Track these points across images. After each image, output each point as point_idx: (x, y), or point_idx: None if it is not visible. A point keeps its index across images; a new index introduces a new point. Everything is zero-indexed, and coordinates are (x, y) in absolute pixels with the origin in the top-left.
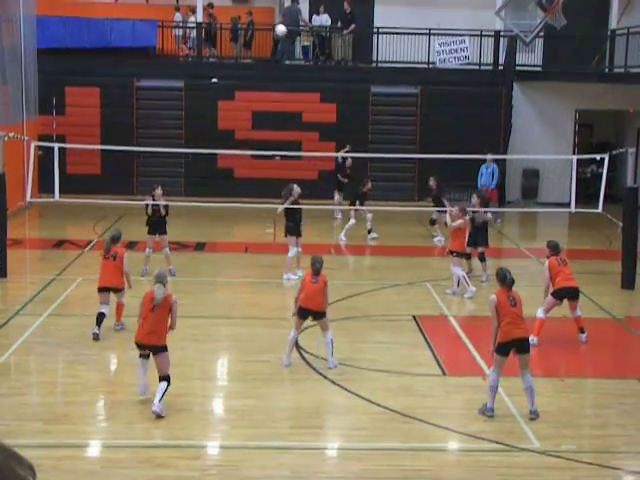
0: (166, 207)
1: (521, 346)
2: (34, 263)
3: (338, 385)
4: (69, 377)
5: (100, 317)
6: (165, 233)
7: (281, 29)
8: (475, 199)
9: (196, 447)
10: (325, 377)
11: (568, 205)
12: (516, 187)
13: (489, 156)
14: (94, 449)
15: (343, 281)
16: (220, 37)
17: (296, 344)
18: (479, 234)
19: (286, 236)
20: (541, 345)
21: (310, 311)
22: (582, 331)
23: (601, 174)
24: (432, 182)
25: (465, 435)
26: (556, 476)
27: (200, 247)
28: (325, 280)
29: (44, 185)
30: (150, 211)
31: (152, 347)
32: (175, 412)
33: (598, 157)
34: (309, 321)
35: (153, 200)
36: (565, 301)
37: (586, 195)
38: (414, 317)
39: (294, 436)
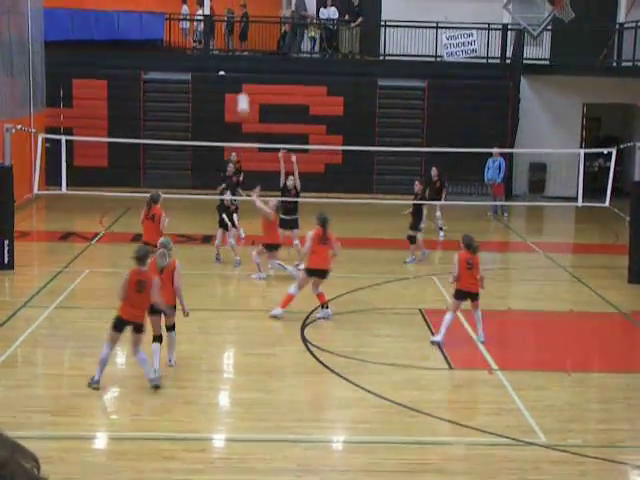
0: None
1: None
2: (41, 255)
3: (344, 378)
4: (76, 369)
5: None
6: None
7: (242, 106)
8: (417, 186)
9: (202, 440)
10: (331, 370)
11: (575, 199)
12: (523, 181)
13: (495, 150)
14: (101, 441)
15: (349, 274)
16: (219, 30)
17: (302, 337)
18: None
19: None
20: (548, 339)
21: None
22: None
23: (608, 168)
24: (435, 172)
25: (471, 429)
26: (562, 470)
27: (207, 240)
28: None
29: (51, 177)
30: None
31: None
32: (181, 405)
33: (606, 151)
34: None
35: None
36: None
37: (593, 189)
38: (420, 310)
39: (300, 429)
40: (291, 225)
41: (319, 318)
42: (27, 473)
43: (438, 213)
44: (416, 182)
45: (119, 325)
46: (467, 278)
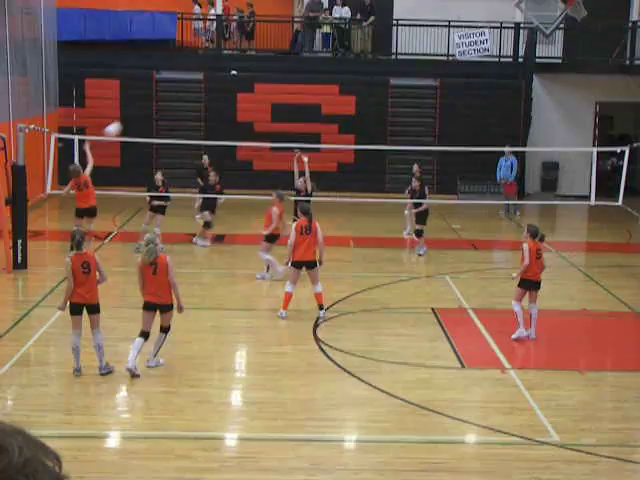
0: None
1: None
2: (54, 255)
3: (356, 377)
4: (89, 368)
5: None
6: None
7: (112, 129)
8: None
9: (215, 439)
10: (344, 369)
11: (588, 198)
12: (536, 180)
13: (507, 149)
14: (114, 440)
15: (362, 273)
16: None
17: (315, 336)
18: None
19: None
20: (561, 339)
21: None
22: None
23: (621, 167)
24: (416, 168)
25: (484, 428)
26: (575, 470)
27: (219, 239)
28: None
29: (64, 177)
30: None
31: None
32: (194, 404)
33: (618, 149)
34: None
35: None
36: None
37: (606, 188)
38: (433, 309)
39: (313, 428)
40: None
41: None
42: (49, 472)
43: (406, 212)
44: (413, 179)
45: (75, 310)
46: (535, 268)
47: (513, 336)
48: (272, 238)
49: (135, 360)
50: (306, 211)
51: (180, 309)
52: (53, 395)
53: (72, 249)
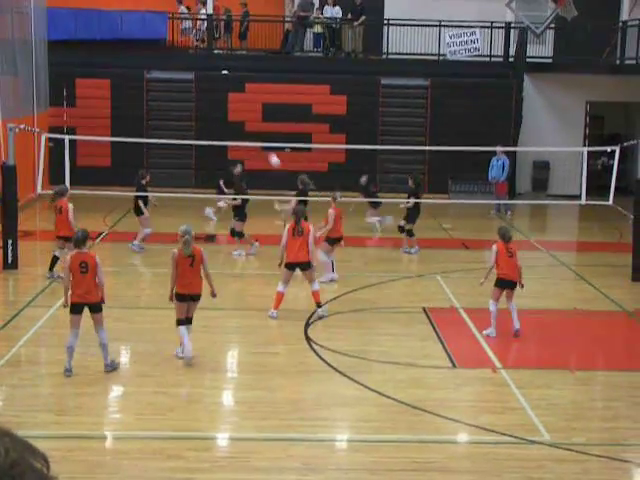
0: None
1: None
2: (45, 255)
3: (348, 377)
4: (80, 368)
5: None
6: None
7: (275, 160)
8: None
9: (206, 439)
10: (335, 369)
11: (579, 197)
12: (526, 179)
13: (499, 148)
14: (104, 440)
15: (353, 273)
16: (220, 29)
17: (306, 335)
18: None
19: None
20: (552, 338)
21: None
22: None
23: (612, 166)
24: (364, 179)
25: (475, 427)
26: (566, 468)
27: (211, 239)
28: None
29: (54, 177)
30: None
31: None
32: (185, 403)
33: (609, 149)
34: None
35: None
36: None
37: (597, 187)
38: (424, 309)
39: (304, 428)
40: None
41: (316, 317)
42: (37, 473)
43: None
44: (409, 178)
45: (74, 309)
46: (508, 267)
47: (484, 332)
48: (333, 240)
49: (189, 347)
50: (295, 214)
51: (214, 295)
52: (44, 395)
53: (74, 247)
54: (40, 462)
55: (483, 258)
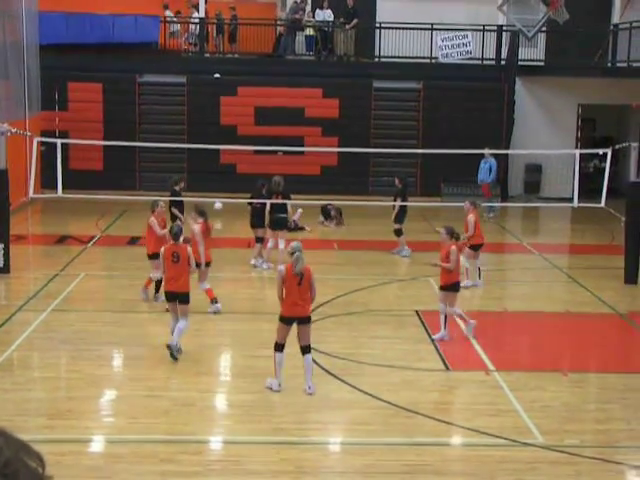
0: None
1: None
2: (37, 259)
3: (341, 380)
4: (72, 372)
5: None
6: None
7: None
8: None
9: (199, 442)
10: (328, 372)
11: (571, 200)
12: (519, 182)
13: (487, 151)
14: (97, 444)
15: (346, 276)
16: (211, 33)
17: None
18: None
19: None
20: (545, 340)
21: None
22: None
23: (604, 169)
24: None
25: (468, 430)
26: (559, 470)
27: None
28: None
29: (47, 181)
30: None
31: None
32: (178, 407)
33: (601, 152)
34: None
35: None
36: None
37: (589, 190)
38: (417, 312)
39: (298, 431)
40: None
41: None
42: (31, 472)
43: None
44: (396, 179)
45: (169, 297)
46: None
47: (435, 337)
48: (476, 246)
49: (311, 381)
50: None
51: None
52: (36, 399)
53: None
54: (35, 461)
55: None
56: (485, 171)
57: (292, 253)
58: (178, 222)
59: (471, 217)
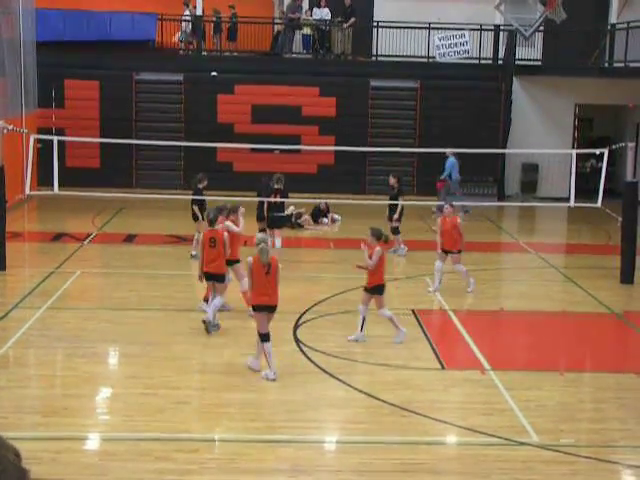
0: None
1: None
2: (33, 256)
3: (336, 378)
4: (68, 370)
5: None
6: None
7: None
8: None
9: (195, 440)
10: (324, 370)
11: (567, 200)
12: (515, 181)
13: (448, 150)
14: (93, 442)
15: (342, 275)
16: (208, 31)
17: (295, 337)
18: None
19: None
20: (541, 340)
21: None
22: None
23: (600, 168)
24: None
25: (464, 429)
26: (555, 470)
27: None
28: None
29: (43, 178)
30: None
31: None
32: (173, 405)
33: (598, 151)
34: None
35: None
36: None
37: (585, 190)
38: (413, 311)
39: (292, 429)
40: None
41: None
42: (15, 467)
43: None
44: (391, 176)
45: (207, 277)
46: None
47: (349, 338)
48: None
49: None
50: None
51: None
52: (32, 397)
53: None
54: (12, 456)
55: (472, 260)
56: (447, 169)
57: (258, 244)
58: (214, 208)
59: (458, 220)
